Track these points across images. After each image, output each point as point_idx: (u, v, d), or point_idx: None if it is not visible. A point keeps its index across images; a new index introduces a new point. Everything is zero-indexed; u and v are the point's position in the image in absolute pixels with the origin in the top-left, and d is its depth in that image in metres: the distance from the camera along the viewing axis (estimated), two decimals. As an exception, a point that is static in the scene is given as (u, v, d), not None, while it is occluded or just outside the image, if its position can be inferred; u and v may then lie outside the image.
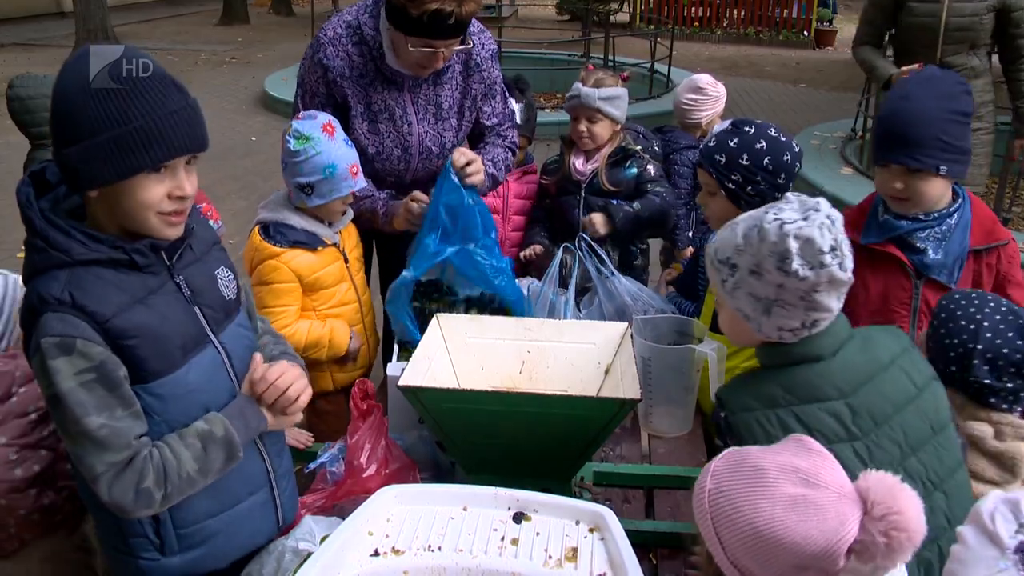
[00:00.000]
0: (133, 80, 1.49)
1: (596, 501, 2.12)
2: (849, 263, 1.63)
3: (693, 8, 18.71)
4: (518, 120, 3.19)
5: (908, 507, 1.24)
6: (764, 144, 2.34)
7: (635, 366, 2.01)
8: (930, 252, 2.27)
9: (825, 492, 1.27)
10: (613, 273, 2.72)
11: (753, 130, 2.37)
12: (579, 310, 2.70)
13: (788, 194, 1.72)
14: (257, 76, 12.43)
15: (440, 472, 2.13)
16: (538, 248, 3.25)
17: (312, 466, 2.04)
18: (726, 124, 2.80)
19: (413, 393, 1.83)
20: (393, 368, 2.31)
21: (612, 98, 3.11)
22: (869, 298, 2.35)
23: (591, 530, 1.66)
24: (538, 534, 1.64)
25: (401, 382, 1.84)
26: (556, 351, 2.26)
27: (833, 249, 1.60)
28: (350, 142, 2.63)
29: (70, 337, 1.49)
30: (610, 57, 10.40)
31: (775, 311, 1.65)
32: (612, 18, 16.81)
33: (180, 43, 16.50)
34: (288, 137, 2.58)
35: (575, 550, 1.60)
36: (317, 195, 2.58)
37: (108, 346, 1.53)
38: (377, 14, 2.64)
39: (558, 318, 2.57)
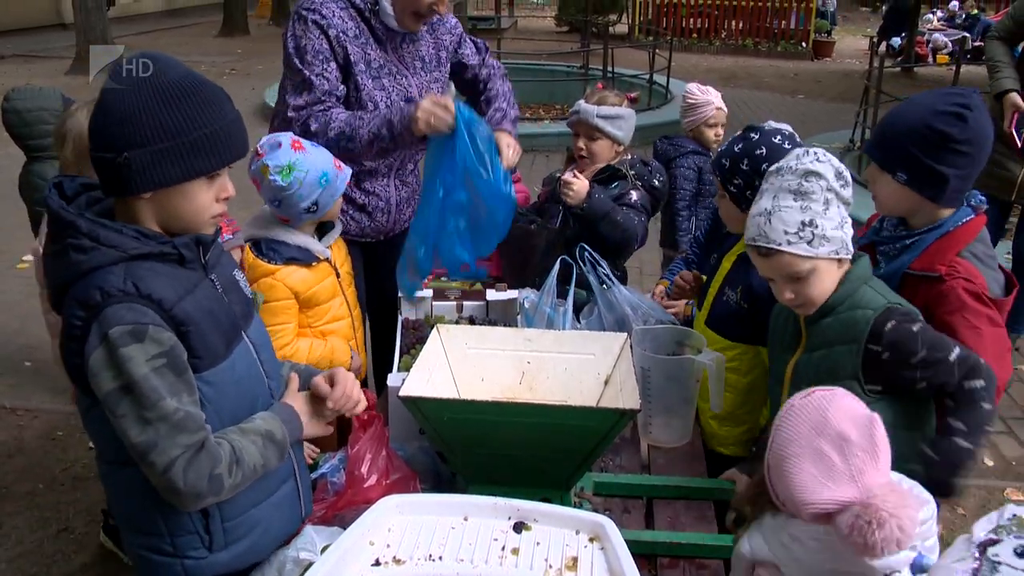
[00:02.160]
0: (198, 89, 1.61)
1: (596, 511, 2.12)
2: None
3: (691, 19, 18.79)
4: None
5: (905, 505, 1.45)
6: (764, 150, 2.36)
7: (634, 376, 2.02)
8: (882, 264, 2.23)
9: (845, 468, 1.48)
10: (614, 283, 2.73)
11: (758, 136, 2.40)
12: (578, 321, 2.71)
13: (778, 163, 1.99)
14: (257, 87, 12.47)
15: (440, 482, 2.14)
16: None
17: (313, 476, 2.05)
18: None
19: (414, 403, 1.84)
20: (394, 379, 2.32)
21: (613, 117, 3.08)
22: None
23: (591, 540, 1.66)
24: (538, 544, 1.65)
25: (401, 392, 1.85)
26: (556, 362, 2.27)
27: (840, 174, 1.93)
28: (317, 144, 2.66)
29: (141, 324, 1.53)
30: (609, 68, 10.42)
31: (845, 227, 1.97)
32: (611, 29, 16.88)
33: (180, 54, 16.43)
34: (272, 176, 2.52)
35: (575, 560, 1.61)
36: (322, 207, 2.60)
37: (174, 333, 1.58)
38: None
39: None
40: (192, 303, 1.63)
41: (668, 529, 2.10)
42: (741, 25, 18.47)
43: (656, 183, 3.17)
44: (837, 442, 1.50)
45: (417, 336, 2.69)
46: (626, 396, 1.99)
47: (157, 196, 1.62)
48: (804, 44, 17.92)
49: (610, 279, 2.74)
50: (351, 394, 1.86)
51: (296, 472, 1.90)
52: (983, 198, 2.23)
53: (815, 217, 1.92)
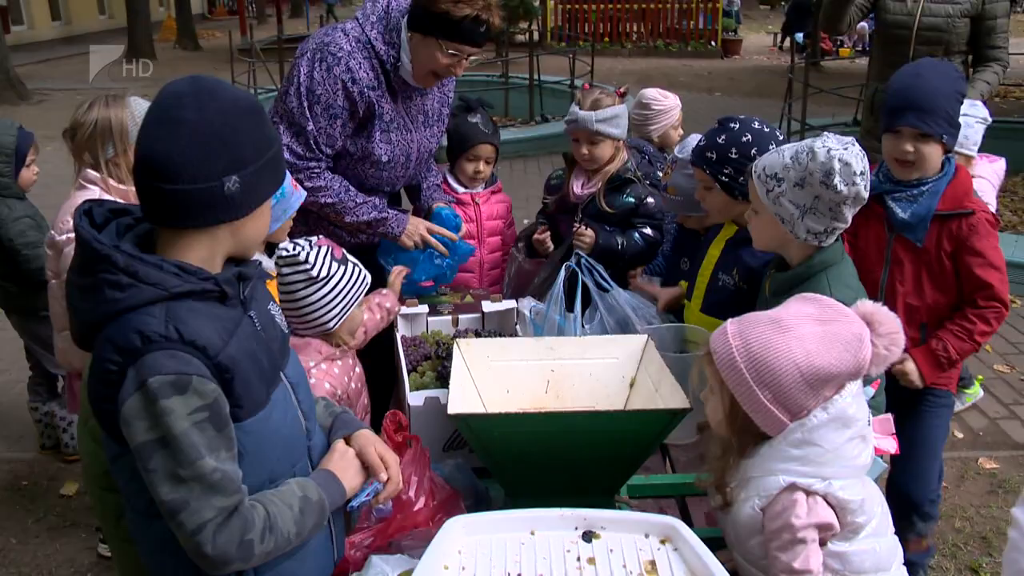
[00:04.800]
0: (252, 100, 1.56)
1: (635, 514, 2.13)
2: (868, 189, 2.10)
3: (601, 24, 19.08)
4: (485, 131, 3.34)
5: (899, 327, 1.68)
6: (750, 136, 2.50)
7: (671, 375, 2.03)
8: (898, 212, 2.62)
9: (837, 324, 1.65)
10: (612, 287, 2.75)
11: (738, 125, 2.54)
12: (582, 326, 2.71)
13: (826, 132, 2.18)
14: (173, 113, 12.09)
15: (480, 499, 2.11)
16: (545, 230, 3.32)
17: (355, 504, 1.99)
18: (685, 140, 2.90)
19: (464, 421, 1.81)
20: (414, 398, 2.28)
21: (610, 119, 3.11)
22: (857, 246, 2.79)
23: (663, 542, 1.66)
24: (611, 551, 1.64)
25: (451, 410, 1.81)
26: (580, 368, 2.26)
27: (862, 174, 2.07)
28: None
29: (185, 375, 1.43)
30: (536, 77, 10.48)
31: (807, 217, 2.12)
32: (523, 37, 17.00)
33: (85, 82, 15.97)
34: None
35: (653, 563, 1.61)
36: (275, 221, 2.52)
37: (218, 382, 1.48)
38: (385, 29, 2.78)
39: (570, 338, 2.56)
40: (236, 347, 1.53)
41: (706, 526, 2.12)
42: (650, 27, 18.84)
43: (657, 171, 3.30)
44: (805, 319, 1.66)
45: (421, 353, 2.65)
46: (666, 396, 2.00)
47: (239, 221, 1.55)
48: (713, 43, 18.37)
49: (608, 283, 2.75)
50: (398, 481, 1.81)
51: (329, 516, 1.78)
52: None
53: (784, 180, 2.15)
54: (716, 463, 1.78)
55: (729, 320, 1.73)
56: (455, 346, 2.23)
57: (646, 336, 2.28)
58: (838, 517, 1.64)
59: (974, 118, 3.31)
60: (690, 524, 2.13)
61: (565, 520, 1.70)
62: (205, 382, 1.45)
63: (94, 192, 2.89)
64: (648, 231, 3.23)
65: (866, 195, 2.10)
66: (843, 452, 1.65)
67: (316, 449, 1.76)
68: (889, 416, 1.85)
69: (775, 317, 1.67)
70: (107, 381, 1.47)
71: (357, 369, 2.52)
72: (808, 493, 1.62)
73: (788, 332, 1.63)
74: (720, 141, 2.53)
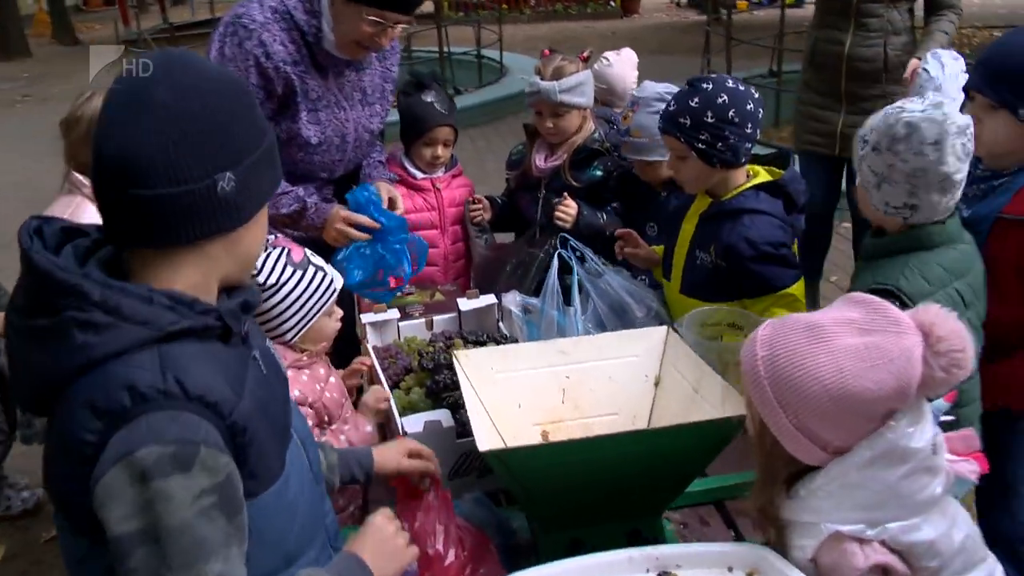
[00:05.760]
0: (238, 81, 1.28)
1: (678, 529, 1.90)
2: (953, 161, 1.81)
3: (497, -10, 18.70)
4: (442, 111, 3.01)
5: (968, 346, 1.29)
6: (726, 97, 2.27)
7: (710, 369, 1.80)
8: (961, 209, 2.11)
9: (883, 336, 1.28)
10: (604, 271, 2.49)
11: (711, 86, 2.30)
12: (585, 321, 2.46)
13: (929, 92, 1.99)
14: (62, 113, 11.31)
15: (505, 533, 1.83)
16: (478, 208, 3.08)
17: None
18: (657, 91, 2.67)
19: (497, 457, 1.53)
20: (412, 423, 1.99)
21: (575, 87, 2.86)
22: None
23: (749, 575, 1.43)
24: (694, 593, 1.40)
25: (482, 447, 1.53)
26: (597, 371, 2.00)
27: (936, 143, 1.80)
28: None
29: (191, 444, 1.10)
30: (445, 48, 10.10)
31: (883, 186, 1.91)
32: (421, 9, 16.49)
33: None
34: None
35: (746, 603, 1.37)
36: None
37: (231, 450, 1.15)
38: None
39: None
40: (250, 399, 1.21)
41: (760, 533, 1.90)
42: (548, -9, 18.54)
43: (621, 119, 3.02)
44: (847, 326, 1.31)
45: (401, 365, 2.35)
46: (711, 395, 1.76)
47: (236, 232, 1.22)
48: (612, 3, 18.21)
49: (599, 266, 2.50)
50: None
51: None
52: None
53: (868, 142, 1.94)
54: (756, 492, 1.46)
55: (769, 320, 1.42)
56: (455, 360, 1.95)
57: (666, 328, 2.04)
58: (903, 560, 1.34)
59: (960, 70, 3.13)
60: (737, 534, 1.92)
61: (635, 562, 1.45)
62: (216, 455, 1.12)
63: (79, 203, 2.57)
64: (616, 205, 2.98)
65: (949, 171, 1.82)
66: (900, 490, 1.32)
67: (329, 516, 1.45)
68: (971, 432, 1.48)
69: (813, 322, 1.34)
70: (79, 457, 1.11)
71: (332, 379, 2.21)
72: (860, 541, 1.32)
73: (822, 342, 1.30)
74: (693, 104, 2.29)
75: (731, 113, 2.25)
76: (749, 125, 2.27)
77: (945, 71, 3.14)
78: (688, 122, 2.28)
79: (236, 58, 2.43)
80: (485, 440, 1.57)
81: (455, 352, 1.97)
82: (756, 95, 2.31)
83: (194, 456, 1.10)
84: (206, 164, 1.15)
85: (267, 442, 1.23)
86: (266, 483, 1.23)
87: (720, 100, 2.25)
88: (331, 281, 2.10)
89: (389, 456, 1.71)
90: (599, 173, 2.95)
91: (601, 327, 2.42)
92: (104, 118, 1.16)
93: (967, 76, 2.98)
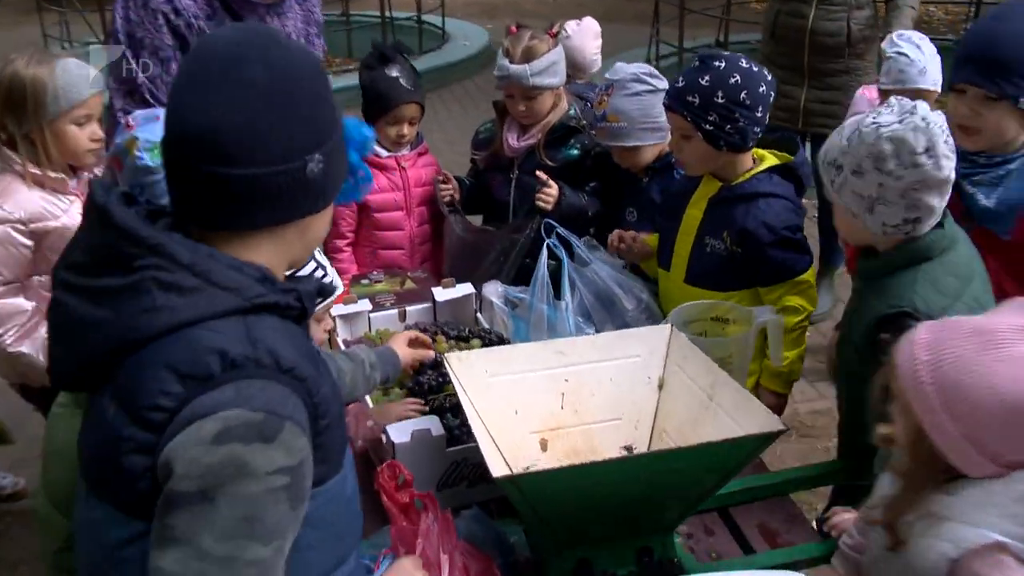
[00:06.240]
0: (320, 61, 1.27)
1: (684, 540, 1.79)
2: (947, 163, 1.70)
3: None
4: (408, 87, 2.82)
5: None
6: (739, 77, 2.15)
7: (723, 372, 1.68)
8: (980, 199, 2.04)
9: None
10: (591, 260, 2.35)
11: (724, 64, 2.17)
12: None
13: (891, 98, 1.77)
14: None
15: (506, 551, 1.69)
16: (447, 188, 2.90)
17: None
18: (632, 72, 2.52)
19: (512, 484, 1.39)
20: (398, 432, 1.82)
21: (547, 68, 2.68)
22: None
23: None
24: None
25: (496, 473, 1.39)
26: (597, 373, 1.87)
27: (928, 150, 1.68)
28: None
29: (277, 417, 1.04)
30: (388, 14, 9.78)
31: (877, 208, 1.75)
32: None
33: None
34: (139, 153, 1.98)
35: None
36: None
37: (311, 434, 1.10)
38: None
39: (564, 334, 2.15)
40: (328, 383, 1.17)
41: (768, 543, 1.81)
42: (487, -45, 18.18)
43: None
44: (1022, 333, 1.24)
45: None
46: (726, 402, 1.64)
47: (313, 217, 1.19)
48: (553, -32, 17.95)
49: (587, 255, 2.36)
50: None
51: None
52: None
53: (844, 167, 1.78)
54: (898, 501, 1.36)
55: (924, 324, 1.34)
56: (447, 364, 1.79)
57: (669, 327, 1.91)
58: None
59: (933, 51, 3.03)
60: (744, 542, 1.83)
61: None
62: (298, 434, 1.07)
63: (8, 183, 2.35)
64: (595, 185, 2.83)
65: (946, 174, 1.71)
66: None
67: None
68: None
69: (983, 327, 1.27)
70: (146, 423, 1.04)
71: None
72: (1020, 559, 1.24)
73: (996, 349, 1.23)
74: (704, 83, 2.15)
75: (743, 95, 2.13)
76: (760, 109, 2.15)
77: (924, 53, 3.06)
78: (697, 101, 2.15)
79: (144, 21, 2.27)
80: (498, 464, 1.42)
81: (446, 356, 1.82)
82: (769, 77, 2.19)
83: (279, 430, 1.04)
84: (298, 144, 1.12)
85: (338, 429, 1.19)
86: (334, 470, 1.18)
87: (732, 80, 2.13)
88: (330, 282, 1.92)
89: (405, 354, 1.96)
90: (576, 152, 2.79)
91: (588, 319, 2.28)
92: (185, 91, 1.11)
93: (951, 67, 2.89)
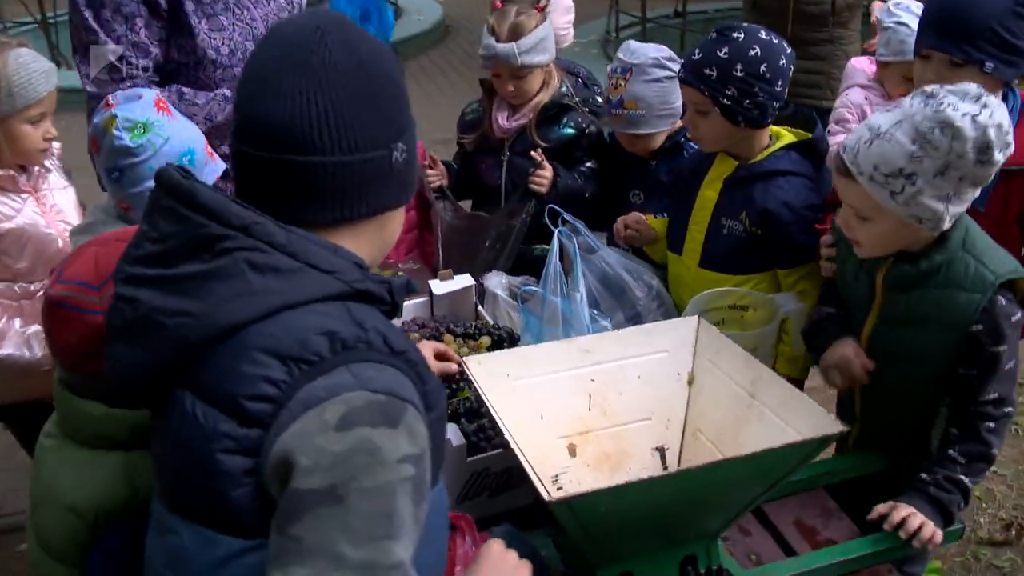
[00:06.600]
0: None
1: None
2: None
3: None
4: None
5: None
6: (758, 50, 2.06)
7: (766, 368, 1.59)
8: None
9: None
10: (599, 247, 2.24)
11: (743, 36, 2.08)
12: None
13: (934, 87, 1.63)
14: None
15: (540, 568, 1.59)
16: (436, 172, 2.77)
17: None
18: (652, 55, 2.40)
19: (566, 506, 1.28)
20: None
21: (536, 46, 2.54)
22: None
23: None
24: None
25: (549, 496, 1.27)
26: (625, 371, 1.77)
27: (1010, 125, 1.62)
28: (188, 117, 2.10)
29: (399, 400, 0.96)
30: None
31: (952, 203, 1.64)
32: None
33: None
34: (118, 132, 1.91)
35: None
36: None
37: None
38: None
39: (581, 330, 2.03)
40: (431, 379, 1.08)
41: (808, 541, 1.73)
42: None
43: (599, 99, 2.80)
44: None
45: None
46: (771, 400, 1.55)
47: (393, 212, 1.14)
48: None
49: (593, 241, 2.25)
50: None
51: None
52: None
53: (918, 173, 1.60)
54: None
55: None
56: (466, 368, 1.67)
57: (695, 318, 1.81)
58: None
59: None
60: (783, 541, 1.75)
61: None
62: (420, 421, 0.98)
63: None
64: (591, 165, 2.72)
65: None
66: None
67: None
68: None
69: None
70: (246, 416, 0.95)
71: None
72: None
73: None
74: (722, 55, 2.05)
75: (763, 68, 2.04)
76: (780, 83, 2.06)
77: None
78: (714, 74, 2.06)
79: None
80: (539, 484, 1.31)
81: (466, 360, 1.70)
82: (789, 50, 2.09)
83: (402, 414, 0.96)
84: (384, 132, 1.08)
85: (440, 428, 1.11)
86: (436, 476, 1.09)
87: (752, 53, 2.04)
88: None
89: (432, 368, 1.62)
90: (570, 131, 2.67)
91: (599, 310, 2.18)
92: (265, 78, 1.05)
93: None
